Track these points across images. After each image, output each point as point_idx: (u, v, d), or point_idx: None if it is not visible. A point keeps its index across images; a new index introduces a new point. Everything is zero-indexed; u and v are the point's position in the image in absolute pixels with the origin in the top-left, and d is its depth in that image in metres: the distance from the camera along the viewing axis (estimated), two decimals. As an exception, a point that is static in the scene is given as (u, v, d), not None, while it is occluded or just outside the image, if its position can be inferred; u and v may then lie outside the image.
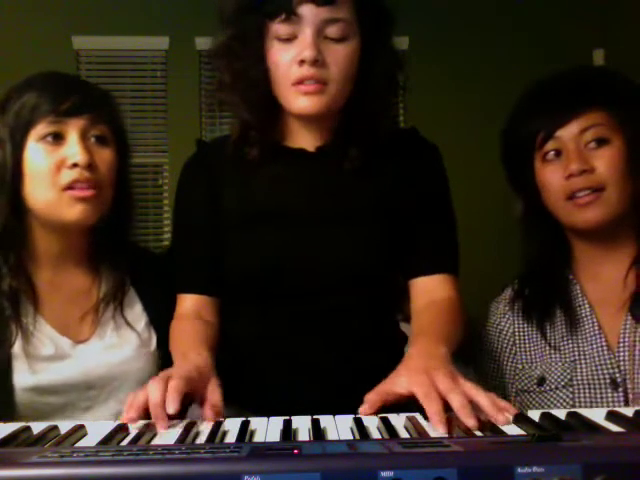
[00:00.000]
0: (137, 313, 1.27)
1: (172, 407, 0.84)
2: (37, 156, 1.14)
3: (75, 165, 1.13)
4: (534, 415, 0.83)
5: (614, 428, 0.78)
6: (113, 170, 1.20)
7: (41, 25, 3.85)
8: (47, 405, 1.14)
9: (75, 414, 1.17)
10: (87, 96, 1.19)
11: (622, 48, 3.54)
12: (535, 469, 0.57)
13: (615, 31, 3.72)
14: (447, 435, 0.77)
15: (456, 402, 0.82)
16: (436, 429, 0.78)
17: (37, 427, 0.84)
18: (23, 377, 1.13)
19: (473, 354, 1.37)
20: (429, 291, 1.18)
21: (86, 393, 1.18)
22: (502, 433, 0.75)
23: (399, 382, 0.91)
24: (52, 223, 1.17)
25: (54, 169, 1.13)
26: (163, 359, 1.22)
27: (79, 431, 0.81)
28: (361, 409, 0.89)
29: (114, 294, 1.24)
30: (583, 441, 0.64)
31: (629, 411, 0.84)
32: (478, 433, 0.77)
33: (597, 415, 0.82)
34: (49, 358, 1.16)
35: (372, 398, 0.90)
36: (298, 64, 1.08)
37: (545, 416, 0.82)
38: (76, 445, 0.77)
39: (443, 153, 1.26)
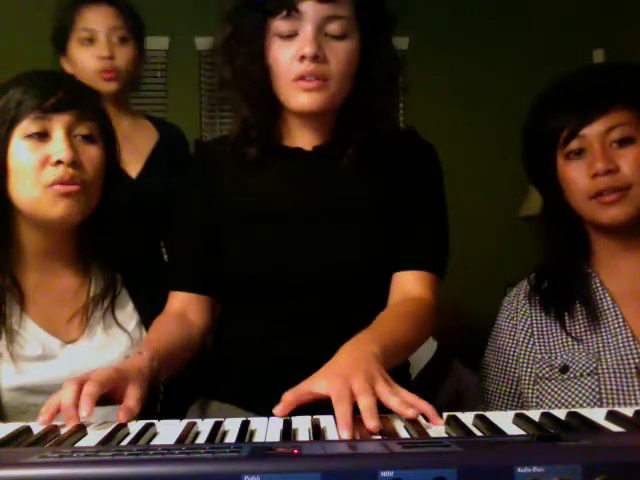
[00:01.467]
0: (128, 313, 1.26)
1: (84, 411, 0.84)
2: (21, 153, 1.12)
3: (59, 162, 1.11)
4: (534, 415, 0.83)
5: (614, 428, 0.78)
6: (100, 168, 1.18)
7: (41, 25, 3.85)
8: (35, 406, 1.11)
9: None
10: (73, 92, 1.17)
11: (622, 48, 3.53)
12: (535, 469, 0.57)
13: (615, 31, 3.72)
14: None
15: (362, 404, 0.80)
16: (342, 432, 0.76)
17: (37, 427, 0.84)
18: (8, 377, 1.13)
19: (479, 350, 1.36)
20: (402, 286, 1.17)
21: None
22: (502, 433, 0.75)
23: (318, 383, 0.89)
24: (37, 221, 1.15)
25: (38, 166, 1.11)
26: None
27: (79, 431, 0.81)
28: (275, 410, 0.86)
29: (104, 294, 1.23)
30: (583, 441, 0.64)
31: (629, 411, 0.84)
32: (478, 433, 0.76)
33: (597, 415, 0.82)
34: (36, 358, 1.15)
35: (288, 399, 0.88)
36: (299, 60, 1.09)
37: (545, 416, 0.82)
38: (76, 445, 0.76)
39: (443, 153, 1.25)
